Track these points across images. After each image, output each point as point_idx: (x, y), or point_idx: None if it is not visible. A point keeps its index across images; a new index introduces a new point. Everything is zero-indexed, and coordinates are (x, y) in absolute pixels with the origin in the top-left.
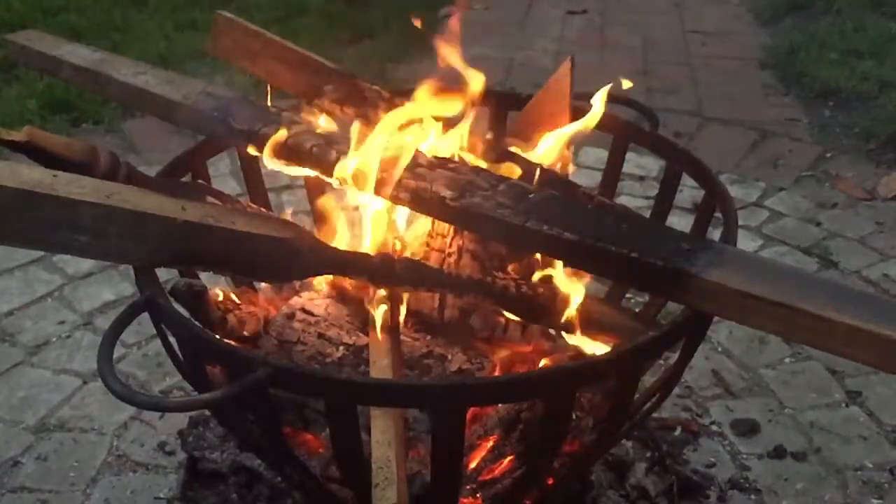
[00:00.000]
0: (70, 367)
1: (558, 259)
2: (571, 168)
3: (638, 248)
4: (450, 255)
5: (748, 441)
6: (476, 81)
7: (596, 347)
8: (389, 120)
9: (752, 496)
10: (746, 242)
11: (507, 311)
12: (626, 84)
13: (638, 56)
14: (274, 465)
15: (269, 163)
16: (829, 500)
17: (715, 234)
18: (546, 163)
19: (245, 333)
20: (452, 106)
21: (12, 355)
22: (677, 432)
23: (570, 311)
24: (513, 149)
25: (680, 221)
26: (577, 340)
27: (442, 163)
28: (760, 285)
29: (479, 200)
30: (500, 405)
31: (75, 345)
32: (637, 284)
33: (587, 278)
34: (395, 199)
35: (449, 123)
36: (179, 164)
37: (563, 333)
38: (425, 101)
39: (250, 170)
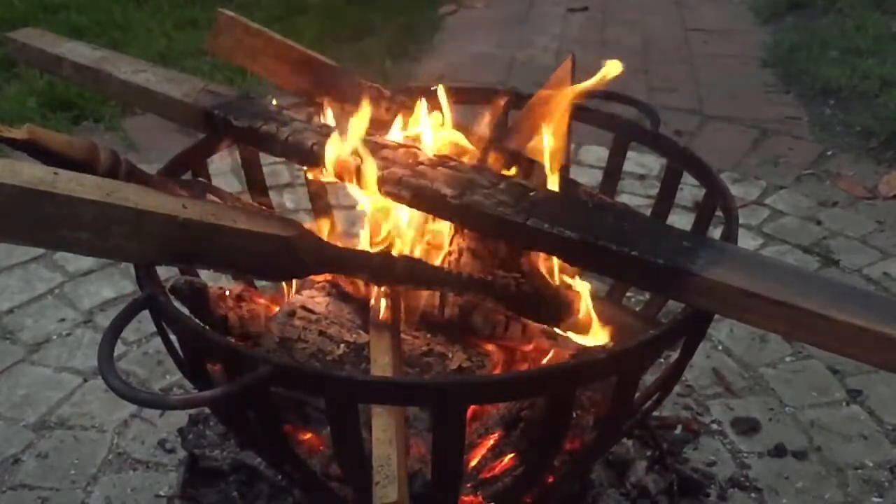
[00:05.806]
0: (70, 364)
1: (559, 257)
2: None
3: (638, 247)
4: (450, 253)
5: (749, 440)
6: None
7: (596, 346)
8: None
9: (753, 495)
10: (747, 241)
11: (507, 309)
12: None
13: (639, 54)
14: (274, 463)
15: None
16: (829, 499)
17: (715, 232)
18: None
19: (245, 331)
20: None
21: (13, 353)
22: (678, 431)
23: (572, 312)
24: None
25: (680, 220)
26: (578, 339)
27: (443, 161)
28: (761, 284)
29: (480, 198)
30: (500, 403)
31: (76, 342)
32: (638, 283)
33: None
34: (396, 197)
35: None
36: (179, 161)
37: (564, 332)
38: None
39: (251, 167)
